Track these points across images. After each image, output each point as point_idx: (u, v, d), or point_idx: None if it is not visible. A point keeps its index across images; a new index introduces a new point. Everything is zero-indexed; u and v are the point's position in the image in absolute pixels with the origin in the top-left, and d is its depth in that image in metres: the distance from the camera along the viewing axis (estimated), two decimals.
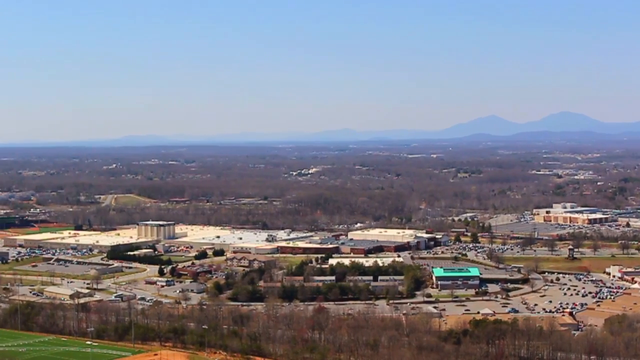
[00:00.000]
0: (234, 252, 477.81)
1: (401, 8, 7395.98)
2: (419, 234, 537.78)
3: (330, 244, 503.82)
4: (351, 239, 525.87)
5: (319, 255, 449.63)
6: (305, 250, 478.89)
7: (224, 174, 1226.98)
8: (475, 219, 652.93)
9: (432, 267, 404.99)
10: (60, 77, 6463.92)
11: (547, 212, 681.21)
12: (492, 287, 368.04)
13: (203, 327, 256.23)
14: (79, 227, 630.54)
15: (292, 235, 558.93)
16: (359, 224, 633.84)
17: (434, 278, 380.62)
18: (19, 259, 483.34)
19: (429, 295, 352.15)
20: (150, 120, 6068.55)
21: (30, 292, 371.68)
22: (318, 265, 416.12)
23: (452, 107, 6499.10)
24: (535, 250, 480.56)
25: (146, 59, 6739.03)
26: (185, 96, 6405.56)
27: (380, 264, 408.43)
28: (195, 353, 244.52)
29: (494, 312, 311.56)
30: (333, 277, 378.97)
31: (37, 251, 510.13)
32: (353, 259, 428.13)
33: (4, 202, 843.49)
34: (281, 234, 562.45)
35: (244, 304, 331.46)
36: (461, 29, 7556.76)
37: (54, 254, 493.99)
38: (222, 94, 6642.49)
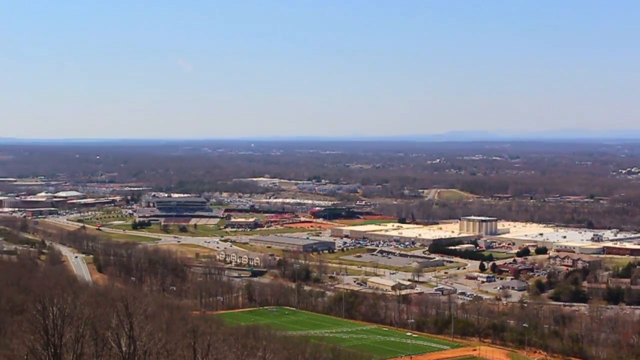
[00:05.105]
0: (557, 250, 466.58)
1: None
2: None
3: None
4: None
5: None
6: (633, 252, 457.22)
7: (548, 171, 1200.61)
8: None
9: None
10: (381, 71, 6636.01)
11: None
12: None
13: (523, 325, 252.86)
14: (402, 220, 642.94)
15: (620, 236, 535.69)
16: None
17: None
18: (345, 249, 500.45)
19: None
20: (473, 115, 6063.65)
21: (354, 281, 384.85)
22: None
23: None
24: None
25: (473, 55, 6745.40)
26: (505, 90, 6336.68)
27: None
28: (514, 351, 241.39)
29: None
30: None
31: (361, 242, 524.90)
32: None
33: (332, 193, 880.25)
34: (607, 234, 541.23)
35: (566, 304, 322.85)
36: None
37: (377, 246, 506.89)
38: (551, 88, 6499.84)
